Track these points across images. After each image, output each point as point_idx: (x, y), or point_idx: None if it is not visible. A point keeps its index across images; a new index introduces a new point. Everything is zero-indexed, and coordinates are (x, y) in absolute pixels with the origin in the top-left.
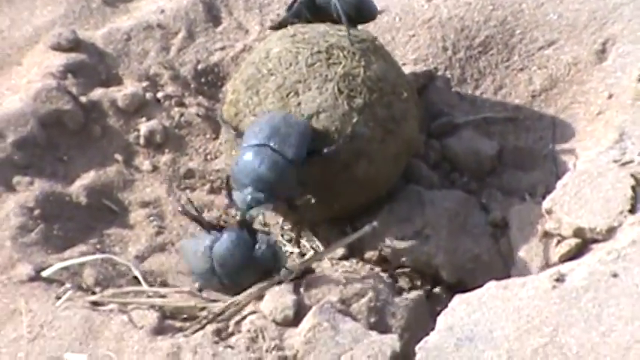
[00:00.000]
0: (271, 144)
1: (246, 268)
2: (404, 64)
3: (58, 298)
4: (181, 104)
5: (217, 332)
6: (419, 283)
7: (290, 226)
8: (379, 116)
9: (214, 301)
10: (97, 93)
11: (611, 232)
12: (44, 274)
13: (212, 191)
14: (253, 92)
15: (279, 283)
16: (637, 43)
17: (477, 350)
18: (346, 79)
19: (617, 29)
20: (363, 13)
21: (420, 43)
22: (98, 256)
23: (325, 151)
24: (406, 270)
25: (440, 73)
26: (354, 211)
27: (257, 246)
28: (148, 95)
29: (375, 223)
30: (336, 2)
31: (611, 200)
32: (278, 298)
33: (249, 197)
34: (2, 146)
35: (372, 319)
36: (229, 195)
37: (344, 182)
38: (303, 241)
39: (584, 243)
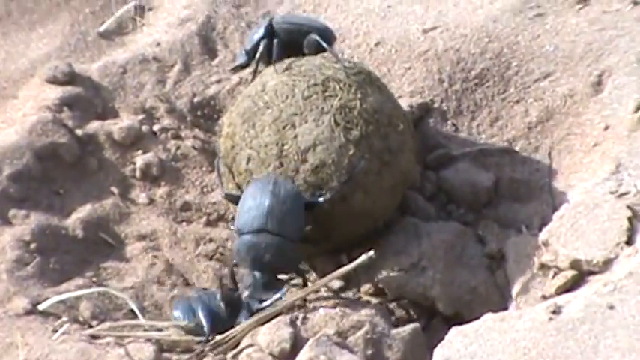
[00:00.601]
0: (269, 228)
1: None
2: (400, 97)
3: (55, 331)
4: (177, 137)
5: None
6: (415, 315)
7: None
8: (376, 148)
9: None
10: (93, 126)
11: (607, 263)
12: (41, 307)
13: (208, 224)
14: (249, 125)
15: (276, 316)
16: (632, 74)
17: None
18: (342, 112)
19: (612, 61)
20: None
21: (416, 75)
22: (95, 289)
23: (321, 200)
24: (403, 302)
25: (436, 105)
26: (350, 243)
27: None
28: (144, 128)
29: (371, 253)
30: (316, 37)
31: (608, 232)
32: (275, 331)
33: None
34: None
35: (369, 352)
36: (233, 280)
37: (340, 214)
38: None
39: (580, 275)
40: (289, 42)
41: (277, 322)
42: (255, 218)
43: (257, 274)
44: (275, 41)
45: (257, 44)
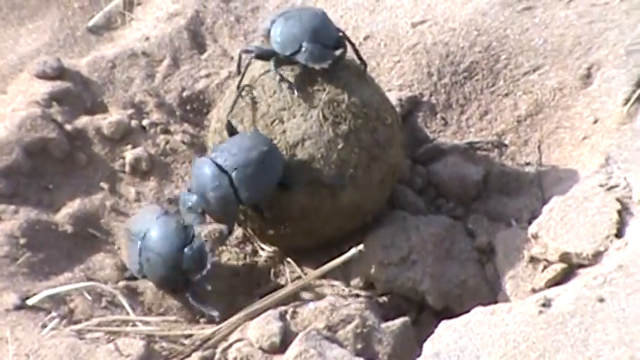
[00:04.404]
0: (232, 175)
1: (171, 263)
2: (389, 90)
3: (44, 326)
4: (167, 131)
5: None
6: (405, 309)
7: (274, 252)
8: (364, 142)
9: (201, 328)
10: (82, 121)
11: (597, 256)
12: (30, 302)
13: None
14: (238, 120)
15: (266, 310)
16: (622, 67)
17: None
18: (331, 106)
19: (602, 54)
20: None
21: (405, 69)
22: (84, 284)
23: (289, 184)
24: (392, 296)
25: (425, 98)
26: (340, 237)
27: (187, 247)
28: (134, 123)
29: (361, 247)
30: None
31: (597, 225)
32: (264, 325)
33: (190, 205)
34: None
35: (359, 346)
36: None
37: (330, 209)
38: (289, 268)
39: (570, 268)
40: None
41: (267, 317)
42: (228, 161)
43: (193, 197)
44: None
45: None
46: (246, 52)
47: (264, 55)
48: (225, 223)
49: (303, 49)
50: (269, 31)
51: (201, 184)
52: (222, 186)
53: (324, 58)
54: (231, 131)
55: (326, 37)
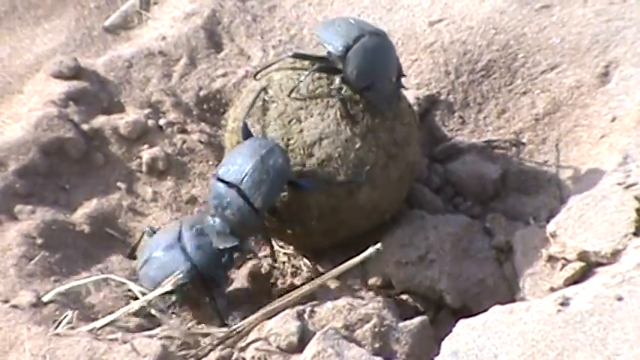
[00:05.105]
0: (241, 187)
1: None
2: (406, 89)
3: (61, 325)
4: (183, 131)
5: (221, 359)
6: (423, 307)
7: (292, 251)
8: (382, 141)
9: (218, 327)
10: (99, 121)
11: (615, 255)
12: (45, 298)
13: None
14: (255, 120)
15: (283, 309)
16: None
17: None
18: (348, 105)
19: (620, 52)
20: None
21: (422, 67)
22: (98, 277)
23: (303, 183)
24: (410, 295)
25: (443, 97)
26: (358, 236)
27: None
28: (150, 122)
29: (379, 246)
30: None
31: (616, 223)
32: (282, 325)
33: (217, 229)
34: (4, 175)
35: (377, 345)
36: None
37: (348, 208)
38: (306, 267)
39: (588, 266)
40: None
41: (285, 316)
42: (233, 173)
43: (216, 220)
44: None
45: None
46: (296, 56)
47: (325, 70)
48: (255, 235)
49: (375, 87)
50: (343, 56)
51: (217, 205)
52: (234, 200)
53: (391, 102)
54: (247, 133)
55: (393, 70)
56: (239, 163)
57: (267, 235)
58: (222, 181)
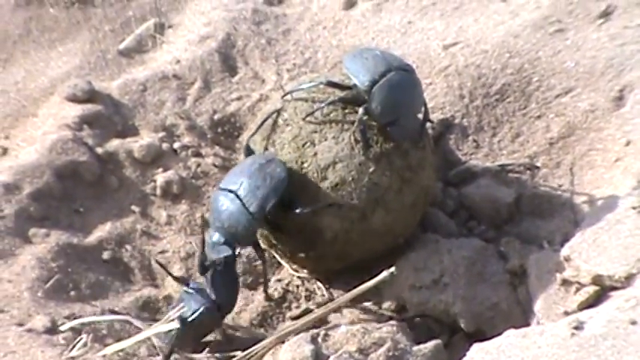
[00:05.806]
0: (238, 192)
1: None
2: (433, 123)
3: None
4: (198, 154)
5: None
6: (437, 331)
7: (306, 275)
8: (396, 165)
9: (232, 352)
10: (113, 144)
11: (629, 279)
12: (62, 328)
13: None
14: (269, 143)
15: (297, 333)
16: None
17: None
18: (367, 134)
19: (634, 76)
20: None
21: (436, 91)
22: (116, 317)
23: (297, 211)
24: (424, 318)
25: (457, 121)
26: (372, 260)
27: None
28: (165, 146)
29: (392, 269)
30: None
31: (630, 247)
32: (296, 348)
33: (213, 240)
34: (18, 198)
35: None
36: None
37: (361, 231)
38: (320, 291)
39: (602, 290)
40: None
41: (299, 340)
42: (232, 181)
43: (214, 234)
44: None
45: None
46: (329, 84)
47: (349, 101)
48: (247, 242)
49: (399, 123)
50: (369, 91)
51: (215, 210)
52: (230, 203)
53: (414, 139)
54: (249, 153)
55: (419, 107)
56: (238, 173)
57: (257, 241)
58: (221, 189)
